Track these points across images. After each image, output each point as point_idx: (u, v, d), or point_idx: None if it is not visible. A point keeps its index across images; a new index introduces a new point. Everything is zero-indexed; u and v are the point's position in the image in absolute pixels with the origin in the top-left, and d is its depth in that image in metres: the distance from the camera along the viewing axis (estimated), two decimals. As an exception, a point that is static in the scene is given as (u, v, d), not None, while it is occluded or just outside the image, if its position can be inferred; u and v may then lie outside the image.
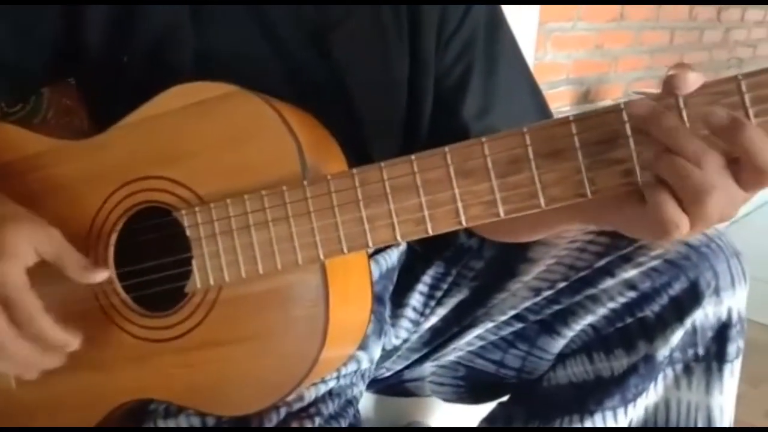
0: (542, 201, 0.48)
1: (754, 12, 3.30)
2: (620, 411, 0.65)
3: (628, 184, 0.46)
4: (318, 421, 0.62)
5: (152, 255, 0.62)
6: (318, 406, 0.64)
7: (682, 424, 0.65)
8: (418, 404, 1.04)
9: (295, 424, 0.61)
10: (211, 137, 0.59)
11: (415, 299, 0.80)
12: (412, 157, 0.52)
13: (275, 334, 0.57)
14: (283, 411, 0.62)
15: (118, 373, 0.63)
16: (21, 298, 0.53)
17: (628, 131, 0.46)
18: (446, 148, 0.50)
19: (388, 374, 0.84)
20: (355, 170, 0.53)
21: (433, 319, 0.79)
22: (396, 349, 0.81)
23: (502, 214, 0.49)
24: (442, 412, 1.06)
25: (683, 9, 2.72)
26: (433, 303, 0.80)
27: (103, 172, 0.63)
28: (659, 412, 0.66)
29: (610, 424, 0.65)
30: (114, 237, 0.63)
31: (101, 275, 0.59)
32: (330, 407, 0.66)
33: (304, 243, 0.55)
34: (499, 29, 0.74)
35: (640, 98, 0.45)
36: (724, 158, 0.42)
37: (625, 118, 0.46)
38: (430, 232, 0.51)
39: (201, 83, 0.60)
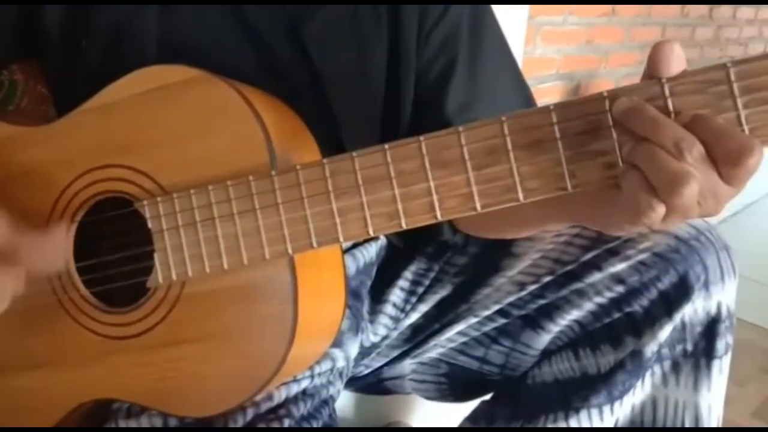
0: (520, 195, 0.45)
1: (746, 10, 3.29)
2: (606, 409, 0.63)
3: (611, 177, 0.43)
4: (287, 423, 0.60)
5: (113, 248, 0.59)
6: (288, 407, 0.62)
7: (669, 424, 0.63)
8: (399, 403, 1.01)
9: (262, 426, 0.58)
10: (174, 124, 0.56)
11: (396, 295, 0.77)
12: (386, 146, 0.49)
13: (241, 333, 0.54)
14: (250, 412, 0.59)
15: (76, 372, 0.60)
16: None
17: (611, 121, 0.43)
18: (421, 138, 0.48)
19: (366, 372, 0.82)
20: (325, 160, 0.51)
21: (414, 316, 0.77)
22: (375, 346, 0.78)
23: (479, 207, 0.46)
24: (423, 411, 1.03)
25: (675, 6, 2.70)
26: (414, 299, 0.77)
27: (62, 159, 0.59)
28: (646, 410, 0.64)
29: (596, 422, 0.63)
30: (74, 228, 0.60)
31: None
32: (302, 408, 0.63)
33: (272, 237, 0.52)
34: (484, 21, 0.72)
35: (623, 89, 0.42)
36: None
37: (607, 106, 0.43)
38: (404, 226, 0.49)
39: (162, 67, 0.56)
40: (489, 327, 0.73)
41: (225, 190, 0.53)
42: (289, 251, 0.52)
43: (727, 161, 0.39)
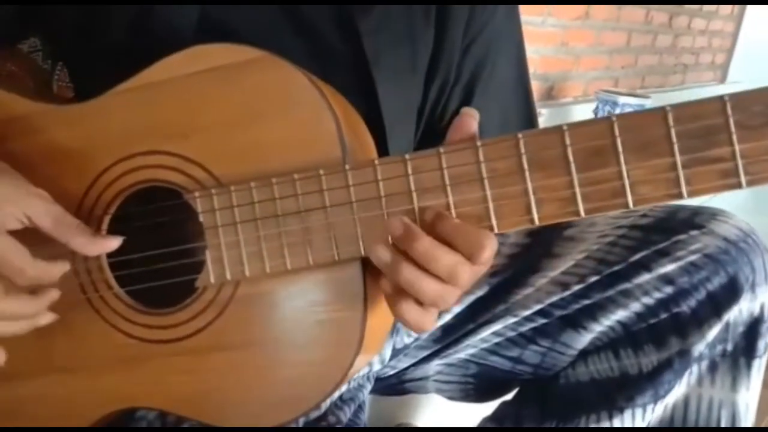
0: (630, 200, 0.43)
1: (699, 21, 3.42)
2: (650, 408, 0.63)
3: (727, 186, 0.42)
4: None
5: (152, 243, 0.54)
6: (336, 413, 0.58)
7: (702, 422, 0.63)
8: (407, 405, 0.98)
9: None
10: (232, 109, 0.51)
11: None
12: (478, 143, 0.45)
13: (301, 340, 0.50)
14: (300, 420, 0.55)
15: (104, 377, 0.55)
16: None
17: (732, 126, 0.41)
18: (519, 135, 0.45)
19: (391, 373, 0.79)
20: (407, 156, 0.47)
21: (447, 317, 0.75)
22: (405, 347, 0.75)
23: (582, 212, 0.44)
24: (430, 412, 1.01)
25: (641, 12, 2.77)
26: None
27: (97, 143, 0.53)
28: (677, 409, 0.63)
29: (638, 421, 0.63)
30: (107, 220, 0.54)
31: (110, 244, 0.50)
32: (348, 413, 0.60)
33: (344, 236, 0.48)
34: (513, 34, 0.73)
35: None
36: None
37: (729, 111, 0.41)
38: (495, 230, 0.46)
39: (218, 45, 0.51)
40: (526, 327, 0.72)
41: (291, 184, 0.49)
42: (363, 252, 0.48)
43: (474, 257, 0.45)
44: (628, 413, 0.63)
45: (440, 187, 0.46)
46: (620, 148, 0.43)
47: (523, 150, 0.45)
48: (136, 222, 0.54)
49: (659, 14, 2.93)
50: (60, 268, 0.50)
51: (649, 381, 0.62)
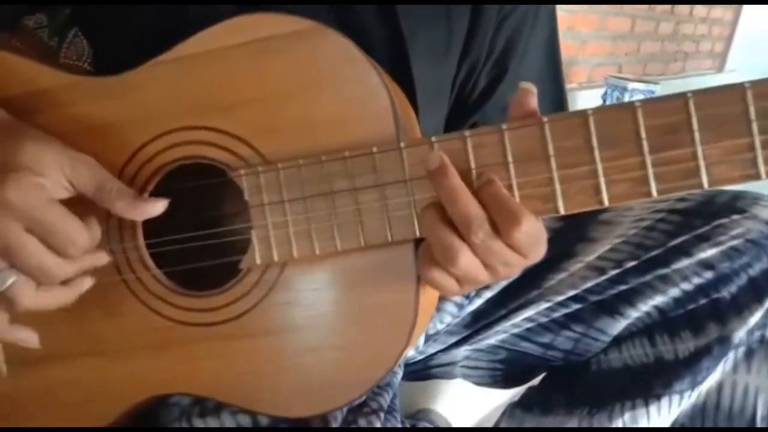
0: (704, 180, 0.41)
1: (701, 9, 3.41)
2: (686, 395, 0.62)
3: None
4: (383, 416, 0.55)
5: (193, 222, 0.52)
6: (377, 399, 0.56)
7: (736, 409, 0.62)
8: (429, 390, 0.97)
9: (362, 422, 0.52)
10: (279, 83, 0.49)
11: None
12: (545, 119, 0.43)
13: (351, 324, 0.48)
14: (345, 409, 0.53)
15: (141, 361, 0.53)
16: (52, 220, 0.44)
17: (814, 105, 0.39)
18: (589, 111, 0.43)
19: (419, 358, 0.78)
20: (467, 132, 0.45)
21: (478, 302, 0.73)
22: (436, 333, 0.74)
23: (654, 192, 0.42)
24: (451, 397, 1.00)
25: (645, -3, 2.76)
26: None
27: (134, 117, 0.51)
28: (710, 396, 0.62)
29: (674, 408, 0.62)
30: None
31: (154, 207, 0.48)
32: (387, 399, 0.58)
33: (398, 217, 0.46)
34: (547, 10, 0.71)
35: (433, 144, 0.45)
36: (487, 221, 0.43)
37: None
38: (561, 211, 0.44)
39: (265, 15, 0.49)
40: (560, 313, 0.71)
41: (342, 162, 0.47)
42: (417, 233, 0.46)
43: (502, 231, 0.42)
44: (665, 400, 0.62)
45: (502, 165, 0.44)
46: (695, 126, 0.41)
47: (592, 127, 0.43)
48: (175, 200, 0.52)
49: (663, -1, 2.91)
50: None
51: (687, 367, 0.61)
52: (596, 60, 2.54)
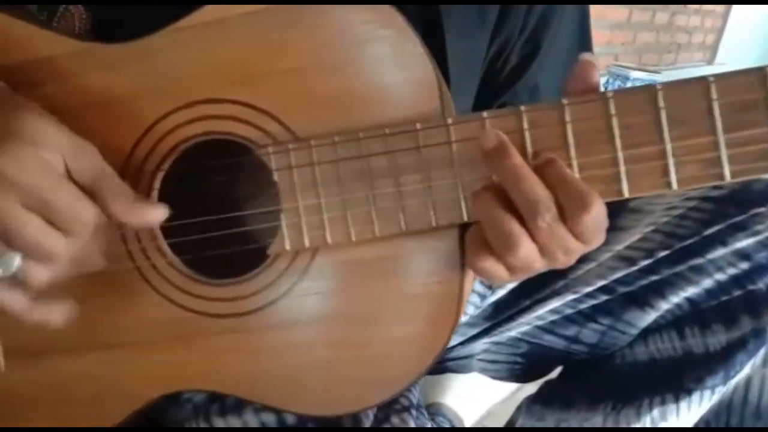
0: (784, 162, 0.38)
1: (696, -2, 3.41)
2: (718, 390, 0.59)
3: None
4: (414, 413, 0.51)
5: (213, 205, 0.47)
6: (407, 395, 0.53)
7: (765, 403, 0.59)
8: (439, 383, 0.94)
9: (395, 419, 0.49)
10: (312, 53, 0.44)
11: None
12: (609, 94, 0.40)
13: (390, 315, 0.45)
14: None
15: (156, 355, 0.48)
16: (55, 194, 0.40)
17: None
18: (657, 86, 0.39)
19: (438, 351, 0.74)
20: (522, 108, 0.41)
21: (501, 292, 0.70)
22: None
23: (727, 175, 0.39)
24: (459, 390, 0.97)
25: (643, -13, 2.74)
26: None
27: (149, 88, 0.46)
28: (737, 391, 0.60)
29: (705, 404, 0.60)
30: (159, 178, 0.47)
31: (158, 213, 0.43)
32: (416, 394, 0.55)
33: (443, 200, 0.43)
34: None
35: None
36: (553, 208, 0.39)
37: None
38: (626, 194, 0.40)
39: None
40: (587, 304, 0.68)
41: (382, 139, 0.43)
42: (465, 218, 0.43)
43: (569, 215, 0.39)
44: (696, 395, 0.60)
45: (561, 144, 0.41)
46: (776, 103, 0.38)
47: (662, 104, 0.39)
48: (193, 181, 0.47)
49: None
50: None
51: (721, 362, 0.59)
52: (595, 49, 2.52)
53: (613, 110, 0.40)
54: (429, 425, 0.59)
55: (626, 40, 2.79)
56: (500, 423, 1.08)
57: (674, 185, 0.40)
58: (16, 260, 0.40)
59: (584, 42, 0.72)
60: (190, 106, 0.46)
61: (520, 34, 0.65)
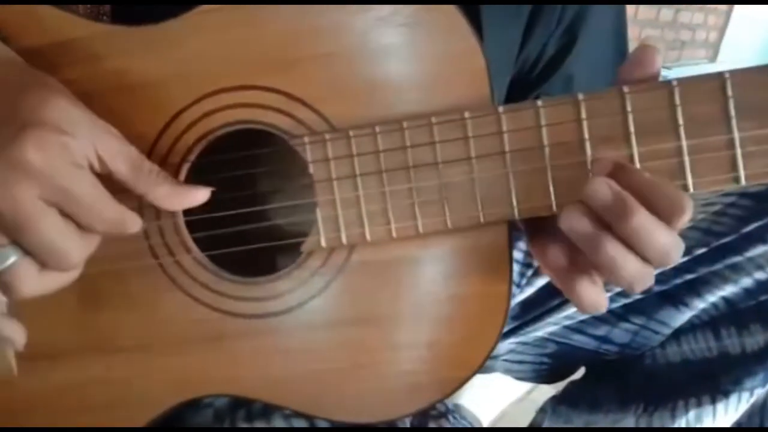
0: None
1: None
2: (757, 392, 0.58)
3: None
4: (451, 419, 0.49)
5: (242, 198, 0.45)
6: (443, 401, 0.50)
7: None
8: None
9: (432, 424, 0.46)
10: (351, 35, 0.41)
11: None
12: (674, 82, 0.37)
13: (433, 318, 0.42)
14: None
15: (180, 358, 0.46)
16: (80, 188, 0.36)
17: None
18: (726, 74, 0.37)
19: (461, 352, 0.72)
20: (580, 95, 0.38)
21: (529, 291, 0.68)
22: (482, 324, 0.69)
23: (804, 171, 0.36)
24: (473, 389, 0.95)
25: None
26: (530, 272, 0.68)
27: (176, 74, 0.44)
28: None
29: (743, 406, 0.58)
30: (185, 170, 0.44)
31: (198, 196, 0.40)
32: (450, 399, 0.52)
33: (492, 194, 0.40)
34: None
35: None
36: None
37: None
38: (691, 188, 0.38)
39: None
40: (618, 303, 0.66)
41: (428, 129, 0.40)
42: (516, 215, 0.40)
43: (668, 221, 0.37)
44: (734, 397, 0.58)
45: (621, 135, 0.38)
46: None
47: (730, 93, 0.37)
48: (222, 173, 0.44)
49: (664, -14, 2.89)
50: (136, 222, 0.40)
51: (760, 363, 0.57)
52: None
53: (678, 99, 0.37)
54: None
55: (632, 37, 2.77)
56: (514, 424, 1.06)
57: (742, 180, 0.37)
58: (11, 258, 0.36)
59: (619, 36, 0.70)
60: (218, 93, 0.43)
61: (557, 24, 0.63)
